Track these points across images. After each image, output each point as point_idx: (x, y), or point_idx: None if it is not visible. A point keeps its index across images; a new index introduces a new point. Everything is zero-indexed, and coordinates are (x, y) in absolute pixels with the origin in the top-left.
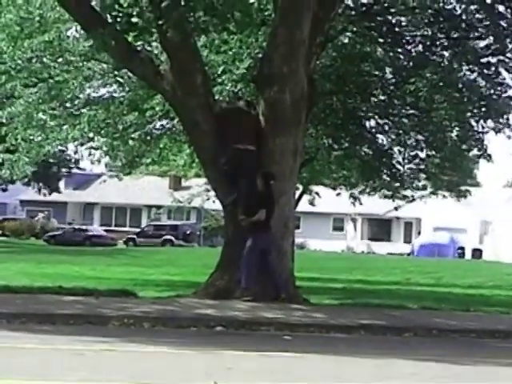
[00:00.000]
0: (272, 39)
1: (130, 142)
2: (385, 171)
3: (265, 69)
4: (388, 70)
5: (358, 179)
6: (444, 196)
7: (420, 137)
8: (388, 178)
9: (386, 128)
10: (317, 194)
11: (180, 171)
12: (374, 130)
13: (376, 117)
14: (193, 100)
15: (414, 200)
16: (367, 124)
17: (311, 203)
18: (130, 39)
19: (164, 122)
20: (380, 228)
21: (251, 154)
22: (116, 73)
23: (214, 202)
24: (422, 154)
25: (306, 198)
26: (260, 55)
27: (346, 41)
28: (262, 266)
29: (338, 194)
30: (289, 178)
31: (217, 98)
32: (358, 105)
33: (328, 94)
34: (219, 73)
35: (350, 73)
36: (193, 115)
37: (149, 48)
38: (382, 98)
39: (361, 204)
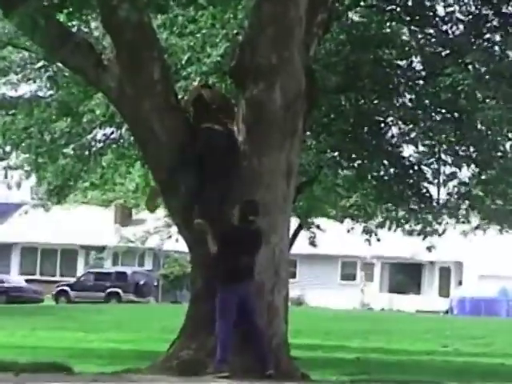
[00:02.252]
0: (256, 17)
1: (61, 158)
2: (412, 196)
3: (247, 58)
4: (416, 58)
5: (375, 208)
6: (500, 231)
7: (460, 148)
8: (416, 207)
9: (414, 137)
10: (318, 227)
11: (130, 199)
12: (396, 140)
13: (399, 122)
14: (147, 100)
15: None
16: (388, 132)
17: (312, 243)
18: (60, 18)
19: (108, 130)
20: (406, 276)
21: (221, 135)
22: (42, 64)
23: (176, 240)
24: (464, 172)
25: (303, 234)
26: (240, 38)
27: (358, 18)
28: (244, 328)
29: (350, 230)
30: (281, 208)
31: (180, 97)
32: (374, 106)
33: (334, 91)
34: (184, 63)
35: (365, 62)
36: (147, 121)
37: (86, 30)
38: (407, 95)
39: (378, 241)
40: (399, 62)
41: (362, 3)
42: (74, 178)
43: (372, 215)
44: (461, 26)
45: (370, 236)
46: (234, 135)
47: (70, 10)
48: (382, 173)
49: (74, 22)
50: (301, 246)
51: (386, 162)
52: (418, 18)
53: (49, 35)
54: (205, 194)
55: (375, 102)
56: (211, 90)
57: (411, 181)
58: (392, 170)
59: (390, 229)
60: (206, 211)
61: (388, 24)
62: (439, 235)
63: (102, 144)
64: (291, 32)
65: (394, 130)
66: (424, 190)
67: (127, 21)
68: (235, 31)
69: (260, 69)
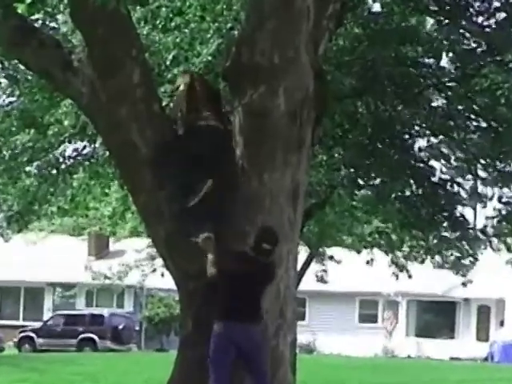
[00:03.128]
0: (255, 8)
1: (24, 178)
2: (443, 221)
3: (244, 56)
4: (446, 56)
5: (401, 236)
6: None
7: (500, 163)
8: (448, 234)
9: (444, 150)
10: (331, 259)
11: (106, 227)
12: (424, 154)
13: (427, 132)
14: (125, 108)
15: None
16: (413, 144)
17: (321, 279)
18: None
19: (79, 145)
20: (437, 317)
21: (216, 133)
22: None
23: (162, 275)
24: (506, 191)
25: (314, 267)
26: (236, 33)
27: (377, 8)
28: (245, 378)
29: (370, 262)
30: (286, 236)
31: (165, 103)
32: (397, 113)
33: (348, 96)
34: (169, 63)
35: (385, 61)
36: (125, 133)
37: (53, 24)
38: (436, 101)
39: (410, 277)
40: (426, 61)
41: None
42: (39, 201)
43: (398, 244)
44: (500, 17)
45: (401, 271)
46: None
47: None
48: (407, 193)
49: (37, 15)
50: (311, 281)
51: (411, 180)
52: (447, 8)
53: (7, 29)
54: (196, 209)
55: (398, 108)
56: (201, 79)
57: (442, 202)
58: (419, 190)
59: (417, 260)
60: (196, 230)
61: (413, 15)
62: (473, 263)
63: (71, 161)
64: (297, 26)
65: (421, 143)
66: (458, 214)
67: (102, 9)
68: (229, 25)
69: (260, 70)
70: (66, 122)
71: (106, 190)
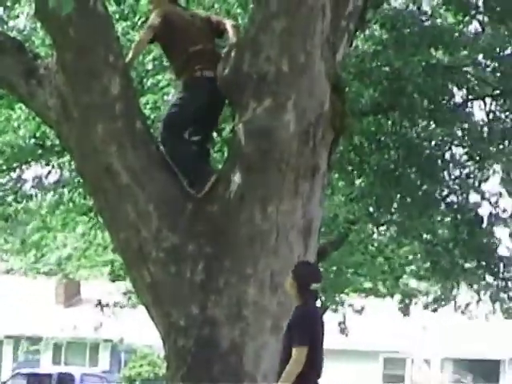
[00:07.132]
0: (259, 4)
1: None
2: (485, 269)
3: (246, 63)
4: (492, 61)
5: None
6: None
7: None
8: (492, 279)
9: (486, 178)
10: (352, 307)
11: (75, 268)
12: (460, 184)
13: (464, 157)
14: (102, 126)
15: None
16: (446, 171)
17: (342, 331)
18: None
19: (39, 169)
20: (478, 378)
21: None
22: None
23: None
24: None
25: (330, 317)
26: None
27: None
28: None
29: (407, 314)
30: None
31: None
32: (428, 133)
33: (370, 111)
34: (151, 67)
35: (414, 70)
36: (103, 157)
37: (13, 22)
38: (476, 117)
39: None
40: (467, 69)
41: None
42: None
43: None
44: None
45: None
46: None
47: None
48: (438, 228)
49: None
50: (327, 337)
51: (444, 209)
52: (497, 8)
53: None
54: None
55: (429, 128)
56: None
57: (485, 241)
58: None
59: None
60: None
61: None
62: None
63: (31, 188)
64: (310, 26)
65: (457, 171)
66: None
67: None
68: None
69: (265, 79)
70: (21, 131)
71: (75, 222)
